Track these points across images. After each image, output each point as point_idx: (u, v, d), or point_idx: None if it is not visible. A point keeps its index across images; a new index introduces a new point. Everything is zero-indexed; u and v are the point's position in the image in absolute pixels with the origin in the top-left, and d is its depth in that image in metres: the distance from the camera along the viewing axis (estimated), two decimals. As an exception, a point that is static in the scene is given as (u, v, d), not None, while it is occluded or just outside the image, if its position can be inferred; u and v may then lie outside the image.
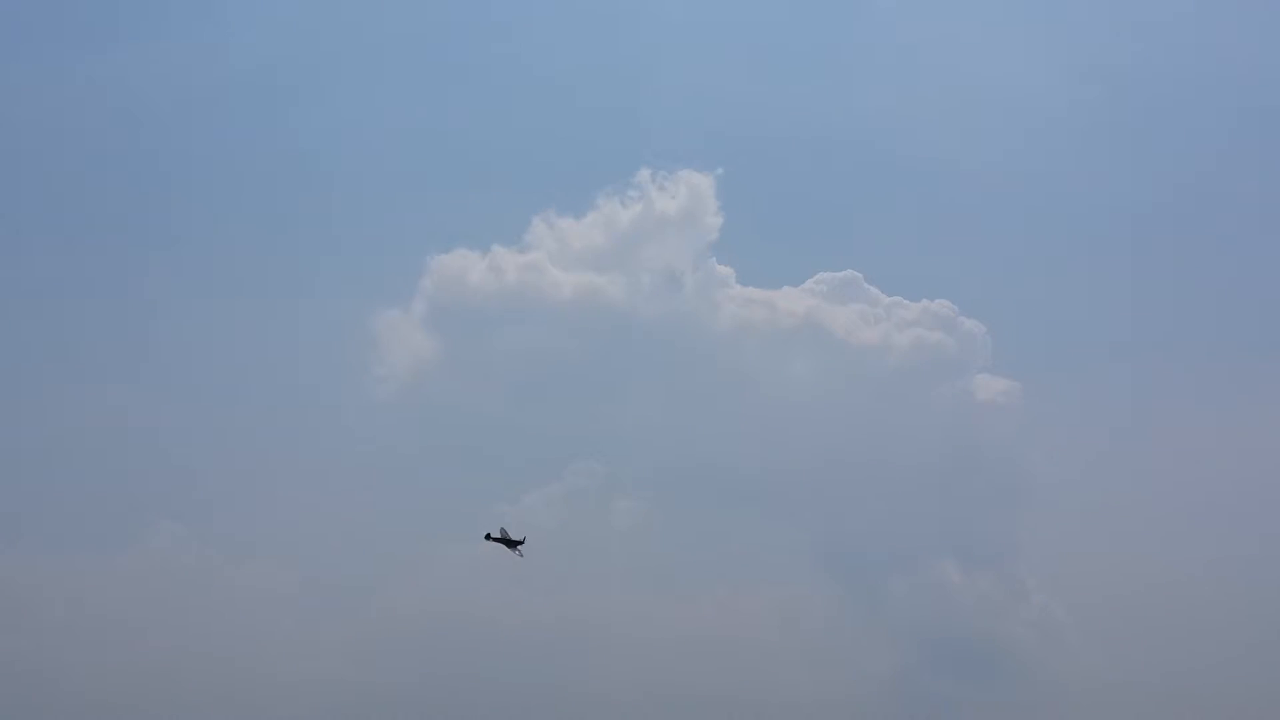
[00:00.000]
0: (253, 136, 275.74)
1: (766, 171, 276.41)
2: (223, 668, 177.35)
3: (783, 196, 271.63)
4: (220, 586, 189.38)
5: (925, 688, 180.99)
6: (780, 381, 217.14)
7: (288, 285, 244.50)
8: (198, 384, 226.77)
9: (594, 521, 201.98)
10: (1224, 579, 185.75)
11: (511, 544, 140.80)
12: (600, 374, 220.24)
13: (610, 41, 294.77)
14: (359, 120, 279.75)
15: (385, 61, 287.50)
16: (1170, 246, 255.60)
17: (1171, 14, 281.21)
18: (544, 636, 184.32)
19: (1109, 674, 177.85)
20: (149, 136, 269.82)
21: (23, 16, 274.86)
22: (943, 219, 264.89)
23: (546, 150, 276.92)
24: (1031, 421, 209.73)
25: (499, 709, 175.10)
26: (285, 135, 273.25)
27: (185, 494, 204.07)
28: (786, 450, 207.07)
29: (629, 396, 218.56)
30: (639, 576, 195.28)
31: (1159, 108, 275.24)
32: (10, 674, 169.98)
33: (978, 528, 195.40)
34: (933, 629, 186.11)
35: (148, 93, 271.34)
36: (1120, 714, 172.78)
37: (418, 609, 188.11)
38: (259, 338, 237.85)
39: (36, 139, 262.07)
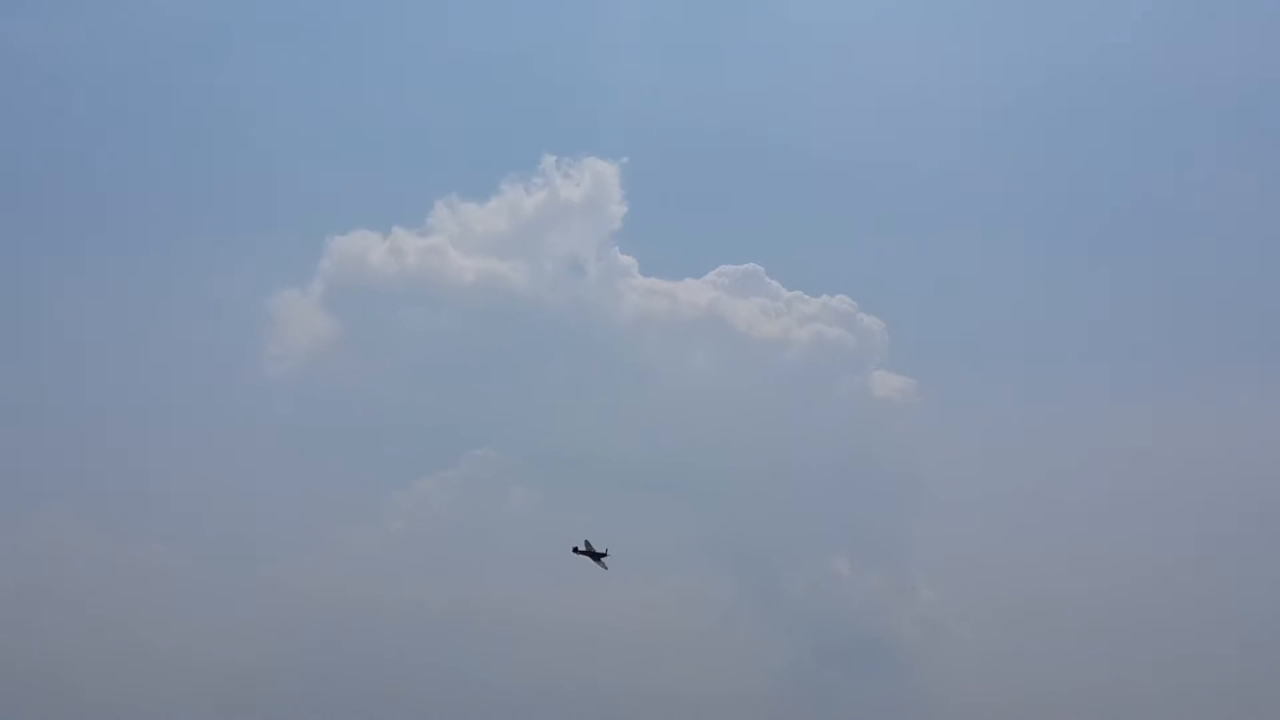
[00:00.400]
0: (151, 111, 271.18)
1: (671, 162, 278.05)
2: (112, 646, 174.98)
3: (687, 187, 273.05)
4: (109, 566, 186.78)
5: (816, 680, 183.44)
6: (680, 373, 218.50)
7: (183, 262, 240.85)
8: (87, 361, 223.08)
9: (489, 509, 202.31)
10: (1107, 577, 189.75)
11: (596, 556, 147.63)
12: (500, 361, 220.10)
13: (518, 28, 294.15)
14: (262, 97, 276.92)
15: (290, 37, 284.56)
16: (1067, 247, 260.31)
17: (1079, 8, 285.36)
18: (437, 621, 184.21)
19: (993, 669, 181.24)
20: (38, 110, 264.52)
21: None
22: (845, 215, 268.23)
23: (451, 134, 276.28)
24: (926, 419, 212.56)
25: (387, 693, 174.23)
26: (185, 110, 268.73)
27: (74, 473, 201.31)
28: (685, 442, 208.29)
29: (528, 384, 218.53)
30: (534, 564, 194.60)
31: (1064, 105, 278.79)
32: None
33: (871, 523, 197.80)
34: (825, 622, 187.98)
35: (39, 64, 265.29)
36: (1002, 709, 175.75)
37: (307, 590, 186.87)
38: (151, 314, 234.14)
39: None
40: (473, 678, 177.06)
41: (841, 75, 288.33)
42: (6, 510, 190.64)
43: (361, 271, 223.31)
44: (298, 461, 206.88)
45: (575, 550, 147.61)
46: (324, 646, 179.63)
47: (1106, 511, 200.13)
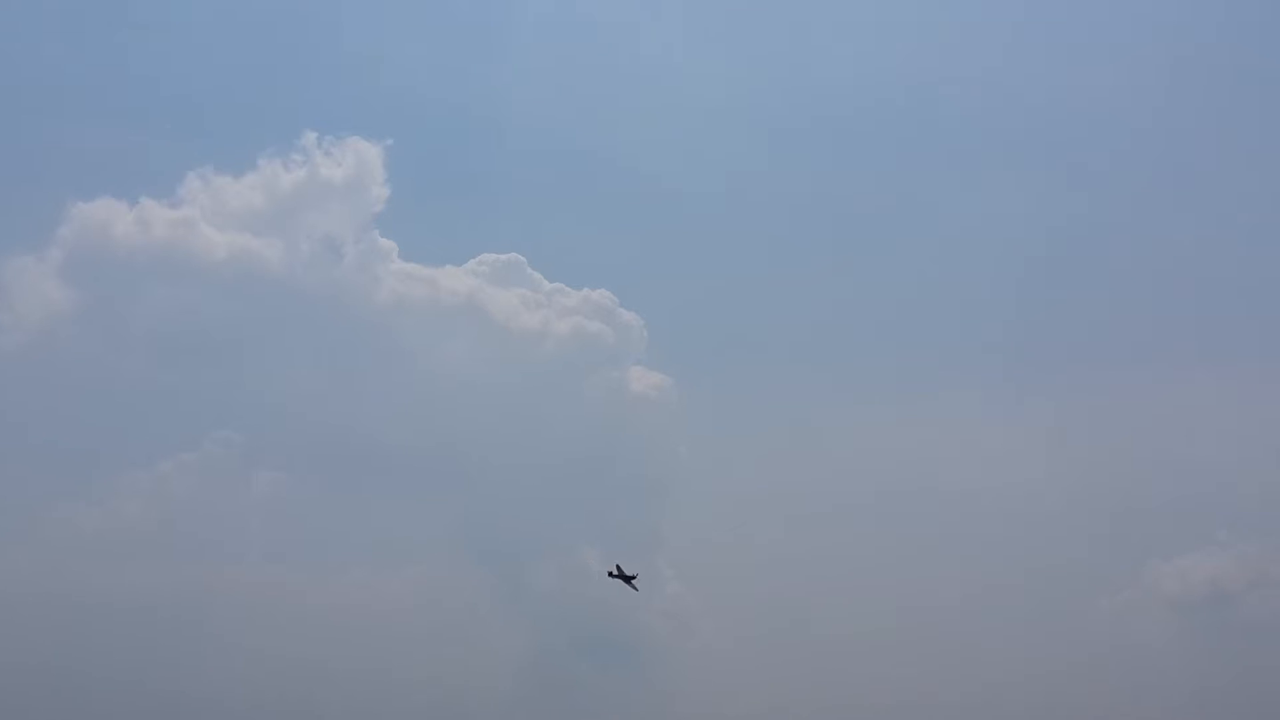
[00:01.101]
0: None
1: (437, 147, 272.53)
2: None
3: (451, 173, 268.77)
4: None
5: (562, 672, 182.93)
6: (437, 361, 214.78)
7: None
8: None
9: (231, 493, 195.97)
10: (853, 577, 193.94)
11: (628, 579, 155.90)
12: (248, 341, 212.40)
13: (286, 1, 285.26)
14: (6, 42, 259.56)
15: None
16: (830, 248, 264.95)
17: (848, 15, 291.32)
18: (169, 608, 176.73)
19: (737, 663, 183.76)
20: None
21: None
22: (609, 209, 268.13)
23: (209, 102, 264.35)
24: (681, 416, 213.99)
25: (122, 682, 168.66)
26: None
27: None
28: (438, 430, 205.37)
29: (277, 366, 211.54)
30: (276, 551, 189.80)
31: (831, 109, 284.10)
32: None
33: (622, 517, 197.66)
34: (572, 616, 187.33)
35: None
36: (745, 703, 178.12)
37: (31, 576, 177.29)
38: None
39: None
40: (205, 667, 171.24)
41: (612, 71, 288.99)
42: None
43: (105, 241, 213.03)
44: (24, 439, 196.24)
45: (610, 574, 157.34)
46: (45, 632, 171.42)
47: (854, 512, 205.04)
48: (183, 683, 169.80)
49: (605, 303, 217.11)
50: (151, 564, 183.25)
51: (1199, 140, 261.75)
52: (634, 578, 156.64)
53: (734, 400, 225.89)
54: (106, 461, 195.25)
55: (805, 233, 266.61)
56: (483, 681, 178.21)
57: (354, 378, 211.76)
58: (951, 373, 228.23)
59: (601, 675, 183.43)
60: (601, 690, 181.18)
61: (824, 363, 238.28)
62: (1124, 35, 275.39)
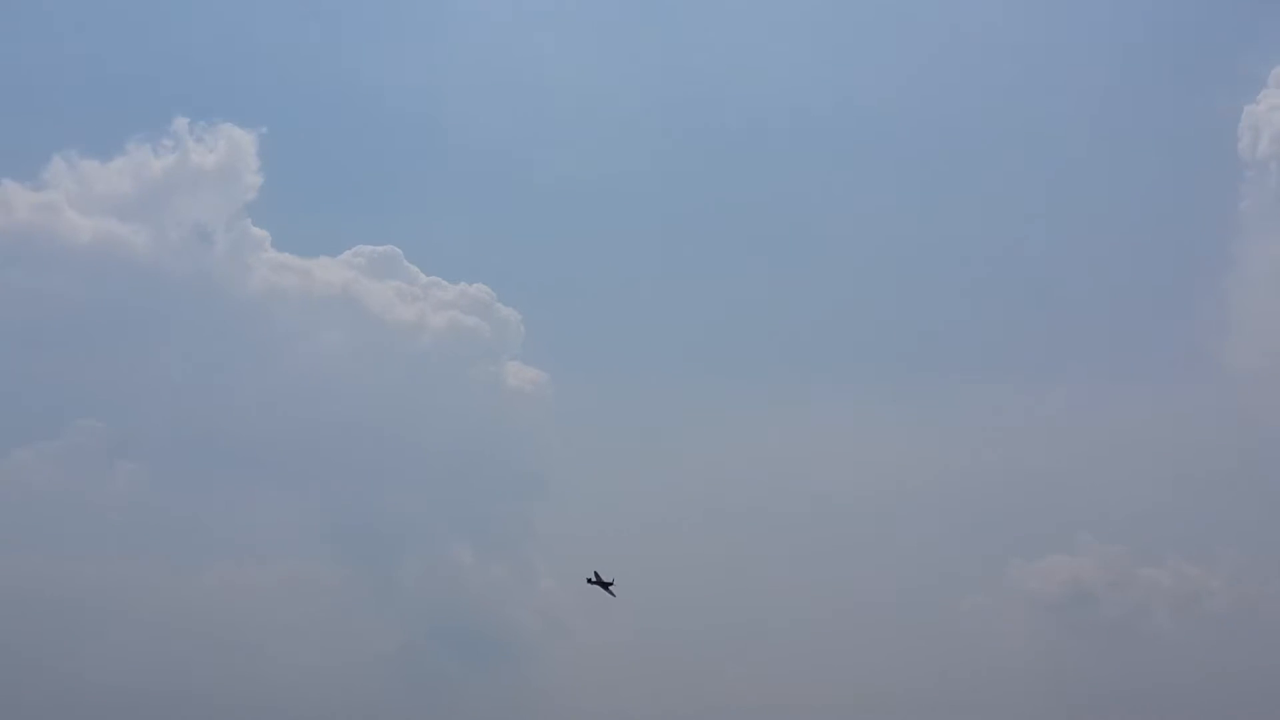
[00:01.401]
0: None
1: (312, 136, 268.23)
2: None
3: (327, 163, 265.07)
4: None
5: (432, 669, 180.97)
6: (309, 353, 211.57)
7: None
8: None
9: (92, 483, 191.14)
10: (726, 576, 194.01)
11: (605, 585, 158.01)
12: (113, 328, 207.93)
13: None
14: None
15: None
16: (708, 249, 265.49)
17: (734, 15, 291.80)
18: (26, 601, 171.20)
19: (609, 660, 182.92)
20: None
21: None
22: (488, 204, 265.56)
23: (77, 84, 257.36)
24: (557, 412, 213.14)
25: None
26: None
27: None
28: (308, 423, 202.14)
29: (144, 354, 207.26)
30: (138, 544, 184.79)
31: (716, 112, 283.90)
32: None
33: (496, 513, 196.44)
34: (442, 610, 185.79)
35: None
36: (617, 700, 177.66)
37: None
38: None
39: None
40: (59, 665, 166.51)
41: (494, 65, 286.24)
42: None
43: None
44: None
45: (589, 581, 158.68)
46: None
47: (727, 512, 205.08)
48: (34, 679, 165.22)
49: (483, 297, 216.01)
50: (5, 555, 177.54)
51: (1066, 156, 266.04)
52: (611, 584, 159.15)
53: (610, 397, 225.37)
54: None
55: (684, 233, 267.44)
56: (350, 679, 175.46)
57: (223, 368, 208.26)
58: (824, 376, 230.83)
59: (472, 672, 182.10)
60: (472, 687, 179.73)
61: (699, 362, 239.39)
62: (998, 42, 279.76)
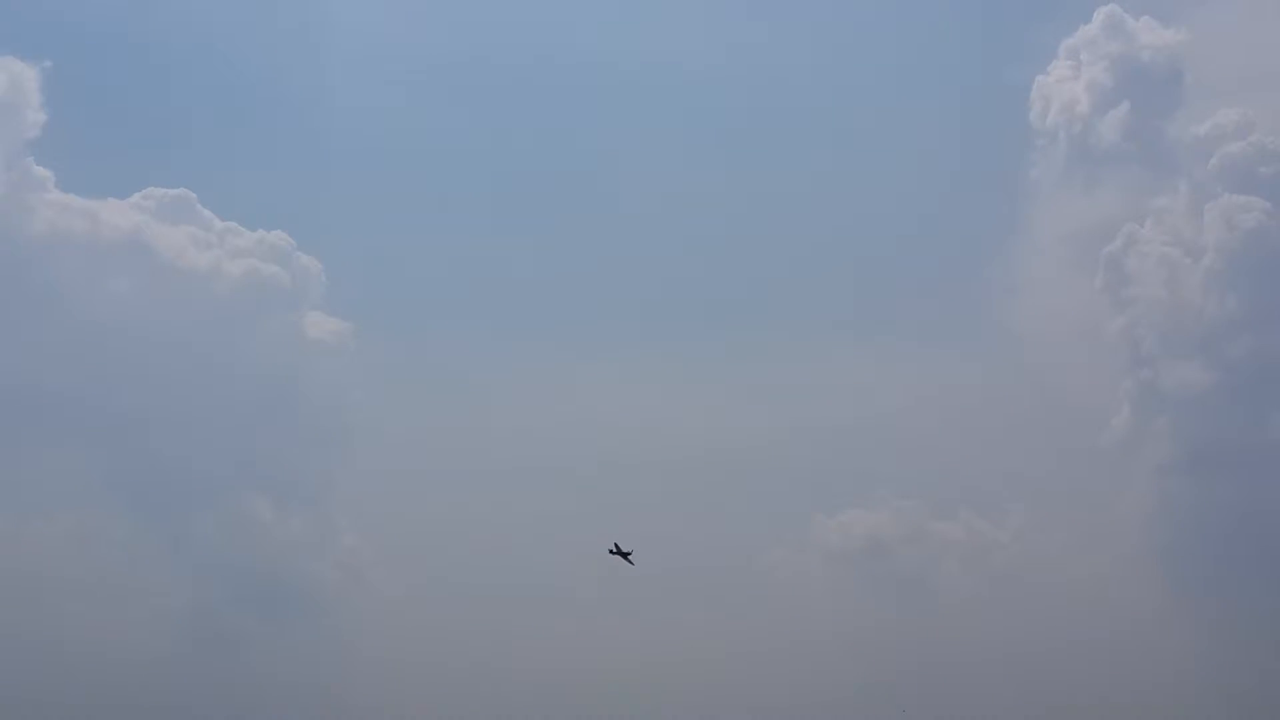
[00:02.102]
0: None
1: (102, 71, 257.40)
2: None
3: (116, 100, 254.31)
4: None
5: (228, 625, 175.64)
6: (96, 300, 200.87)
7: None
8: None
9: None
10: (540, 528, 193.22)
11: (625, 555, 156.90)
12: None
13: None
14: None
15: None
16: (529, 207, 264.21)
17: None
18: None
19: (410, 614, 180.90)
20: None
21: None
22: (289, 149, 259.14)
23: None
24: (360, 363, 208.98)
25: None
26: None
27: None
28: (95, 373, 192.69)
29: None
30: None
31: (531, 74, 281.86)
32: None
33: (297, 466, 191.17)
34: (239, 565, 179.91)
35: None
36: (418, 653, 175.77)
37: None
38: None
39: None
40: None
41: (297, 5, 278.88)
42: None
43: None
44: None
45: (610, 551, 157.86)
46: None
47: (533, 468, 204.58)
48: None
49: (282, 245, 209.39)
50: None
51: (869, 127, 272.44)
52: (630, 554, 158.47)
53: (416, 350, 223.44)
54: None
55: (496, 187, 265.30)
56: (141, 637, 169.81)
57: (1, 316, 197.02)
58: (633, 336, 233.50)
59: (271, 627, 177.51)
60: (271, 643, 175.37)
61: (507, 317, 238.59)
62: (803, 17, 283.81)
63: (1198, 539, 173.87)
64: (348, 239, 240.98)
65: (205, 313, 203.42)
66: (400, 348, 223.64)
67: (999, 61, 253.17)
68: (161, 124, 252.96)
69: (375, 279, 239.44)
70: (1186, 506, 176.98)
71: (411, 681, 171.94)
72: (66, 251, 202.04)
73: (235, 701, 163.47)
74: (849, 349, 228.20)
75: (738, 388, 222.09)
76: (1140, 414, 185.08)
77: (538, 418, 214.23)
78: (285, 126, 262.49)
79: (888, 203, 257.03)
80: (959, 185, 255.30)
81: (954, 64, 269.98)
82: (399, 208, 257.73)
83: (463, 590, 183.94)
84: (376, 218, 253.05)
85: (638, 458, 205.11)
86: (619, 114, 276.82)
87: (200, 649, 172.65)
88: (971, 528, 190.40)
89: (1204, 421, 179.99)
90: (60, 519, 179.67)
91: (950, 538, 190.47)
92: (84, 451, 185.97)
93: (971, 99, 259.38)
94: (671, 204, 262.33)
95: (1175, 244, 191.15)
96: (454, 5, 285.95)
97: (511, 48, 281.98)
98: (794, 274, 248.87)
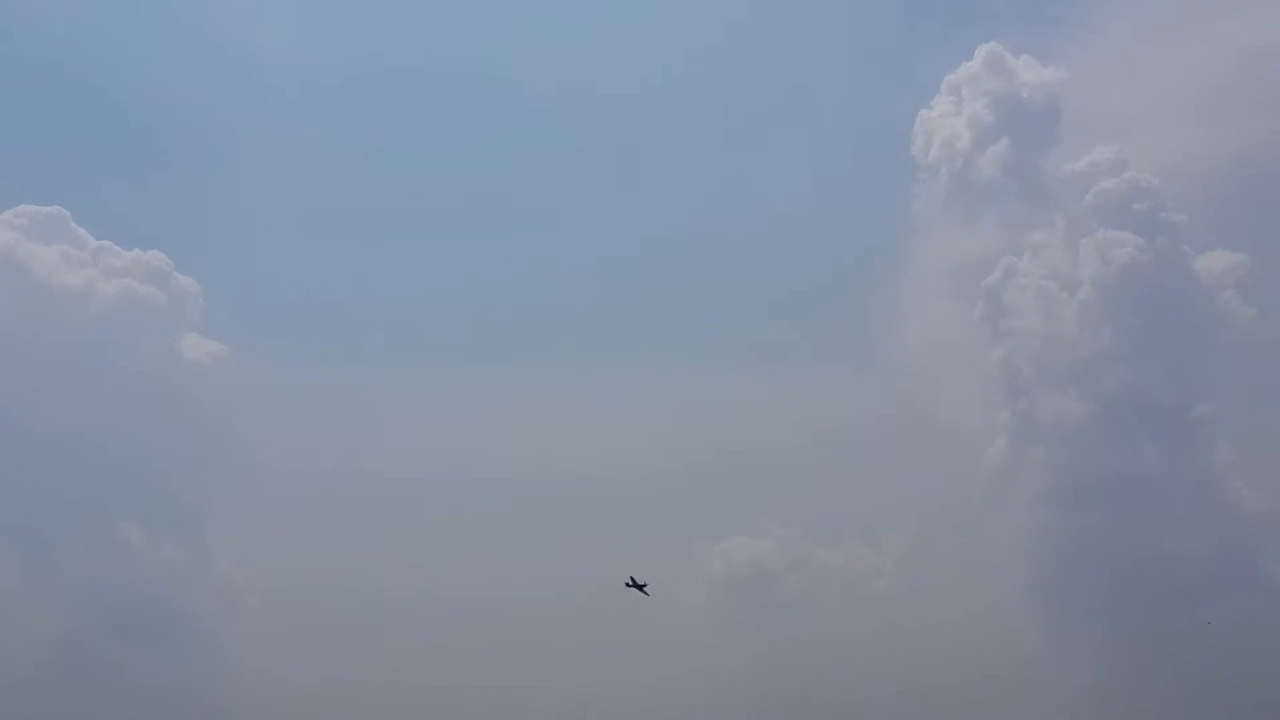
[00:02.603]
0: None
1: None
2: None
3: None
4: None
5: (98, 655, 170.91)
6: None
7: None
8: None
9: None
10: (424, 554, 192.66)
11: (640, 587, 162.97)
12: None
13: None
14: None
15: None
16: (401, 230, 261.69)
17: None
18: None
19: (288, 642, 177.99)
20: None
21: None
22: (167, 167, 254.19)
23: None
24: (239, 387, 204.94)
25: None
26: None
27: None
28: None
29: None
30: None
31: (424, 92, 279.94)
32: None
33: (170, 490, 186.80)
34: (110, 594, 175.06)
35: None
36: (294, 683, 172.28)
37: None
38: None
39: None
40: None
41: (177, 24, 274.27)
42: None
43: None
44: None
45: (627, 585, 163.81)
46: None
47: (413, 490, 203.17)
48: None
49: (159, 265, 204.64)
50: None
51: (757, 156, 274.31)
52: (645, 585, 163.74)
53: (296, 372, 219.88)
54: None
55: (374, 207, 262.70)
56: (7, 665, 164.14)
57: None
58: (518, 359, 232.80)
59: (143, 655, 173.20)
60: (143, 671, 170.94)
61: (389, 339, 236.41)
62: (695, 44, 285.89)
63: (1073, 568, 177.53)
64: (227, 260, 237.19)
65: (78, 333, 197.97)
66: (280, 371, 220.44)
67: (883, 95, 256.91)
68: (34, 140, 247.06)
69: (255, 301, 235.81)
70: (1061, 535, 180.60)
71: (289, 709, 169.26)
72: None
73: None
74: (734, 377, 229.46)
75: (623, 413, 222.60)
76: (1017, 444, 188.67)
77: (421, 440, 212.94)
78: (163, 144, 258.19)
79: (773, 232, 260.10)
80: (843, 216, 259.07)
81: (839, 96, 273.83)
82: (280, 228, 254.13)
83: (340, 616, 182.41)
84: (257, 238, 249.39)
85: (523, 481, 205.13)
86: (509, 132, 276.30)
87: (70, 677, 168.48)
88: (853, 555, 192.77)
89: (1078, 452, 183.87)
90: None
91: (832, 565, 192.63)
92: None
93: (856, 131, 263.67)
94: (559, 228, 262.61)
95: (1052, 277, 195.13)
96: (336, 22, 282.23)
97: (399, 64, 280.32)
98: (679, 302, 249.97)
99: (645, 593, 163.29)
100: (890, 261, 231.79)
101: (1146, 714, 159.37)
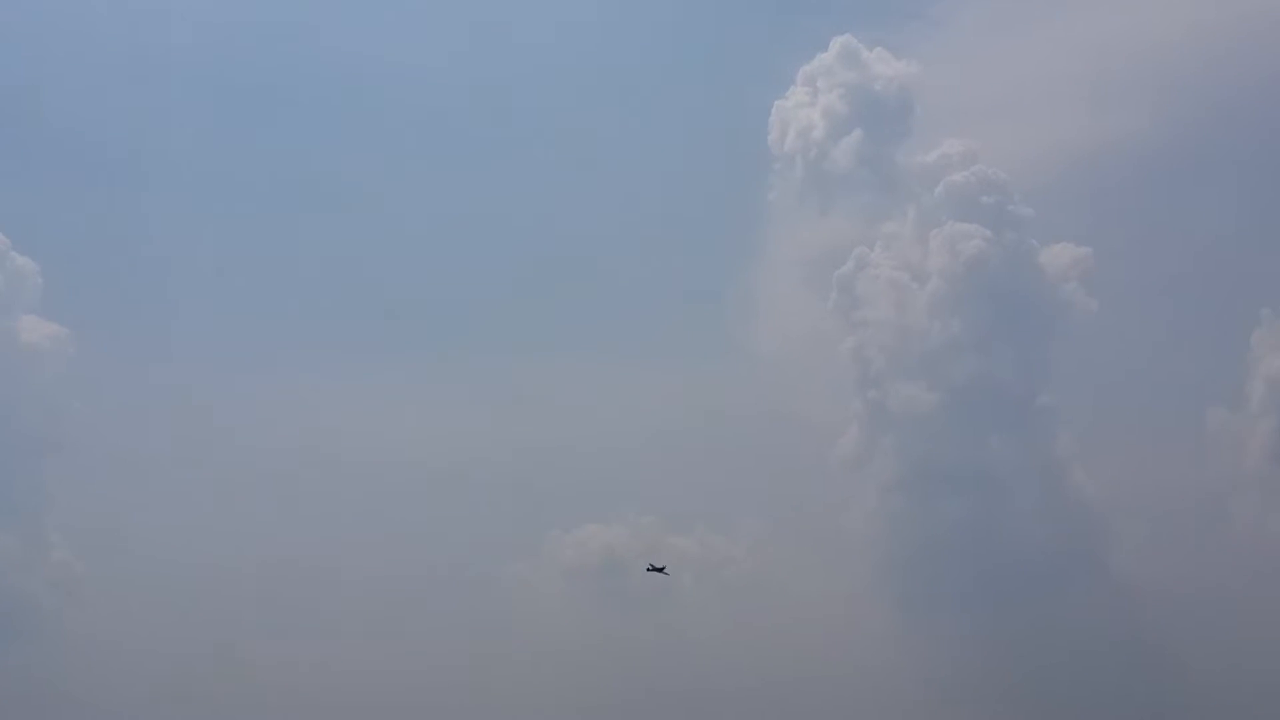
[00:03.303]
0: None
1: None
2: None
3: None
4: None
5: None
6: None
7: None
8: None
9: None
10: (276, 539, 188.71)
11: (660, 569, 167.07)
12: None
13: None
14: None
15: None
16: (250, 213, 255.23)
17: None
18: None
19: (127, 636, 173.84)
20: None
21: None
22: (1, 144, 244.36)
23: None
24: (79, 371, 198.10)
25: None
26: None
27: None
28: None
29: None
30: None
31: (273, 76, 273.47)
32: None
33: (5, 478, 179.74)
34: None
35: None
36: (138, 678, 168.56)
37: None
38: None
39: None
40: None
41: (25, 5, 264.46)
42: None
43: None
44: None
45: (648, 569, 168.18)
46: None
47: (260, 479, 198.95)
48: None
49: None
50: None
51: (610, 145, 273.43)
52: (664, 568, 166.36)
53: (141, 356, 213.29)
54: None
55: (221, 185, 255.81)
56: None
57: None
58: (370, 345, 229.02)
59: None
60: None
61: (240, 324, 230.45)
62: (543, 33, 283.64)
63: (921, 555, 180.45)
64: (68, 240, 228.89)
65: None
66: (122, 355, 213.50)
67: (739, 85, 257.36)
68: None
69: (98, 281, 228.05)
70: (910, 523, 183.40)
71: (128, 698, 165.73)
72: None
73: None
74: (590, 365, 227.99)
75: (475, 402, 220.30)
76: (868, 432, 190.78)
77: (267, 428, 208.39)
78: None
79: (630, 219, 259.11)
80: (700, 205, 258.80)
81: (695, 85, 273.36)
82: (123, 209, 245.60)
83: (180, 603, 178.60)
84: (99, 219, 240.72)
85: (375, 471, 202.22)
86: (351, 121, 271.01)
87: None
88: (706, 543, 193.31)
89: (927, 441, 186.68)
90: None
91: (686, 553, 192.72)
92: None
93: (712, 121, 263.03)
94: (403, 214, 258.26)
95: (903, 268, 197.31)
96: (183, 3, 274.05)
97: (247, 46, 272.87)
98: (536, 289, 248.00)
99: (665, 573, 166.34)
100: (746, 251, 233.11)
101: (993, 698, 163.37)
